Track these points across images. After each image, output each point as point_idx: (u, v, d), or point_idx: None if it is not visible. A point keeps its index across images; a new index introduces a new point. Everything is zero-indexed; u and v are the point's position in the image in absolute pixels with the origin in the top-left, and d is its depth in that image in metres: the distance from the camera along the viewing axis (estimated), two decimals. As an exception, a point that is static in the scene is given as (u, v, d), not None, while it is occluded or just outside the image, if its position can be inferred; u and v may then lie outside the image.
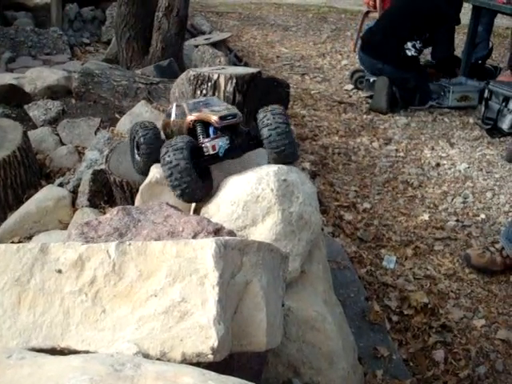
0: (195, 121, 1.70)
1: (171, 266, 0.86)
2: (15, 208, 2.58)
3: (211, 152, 1.60)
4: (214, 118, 1.64)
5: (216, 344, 0.80)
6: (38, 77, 3.82)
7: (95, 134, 3.10)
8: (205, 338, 0.81)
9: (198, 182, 1.56)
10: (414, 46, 4.79)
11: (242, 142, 1.70)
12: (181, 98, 3.04)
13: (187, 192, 1.56)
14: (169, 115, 1.86)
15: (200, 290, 0.83)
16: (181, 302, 0.83)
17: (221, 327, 0.81)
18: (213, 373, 0.70)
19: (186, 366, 0.74)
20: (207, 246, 0.86)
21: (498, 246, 2.74)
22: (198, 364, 0.81)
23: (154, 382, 0.66)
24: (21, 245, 0.92)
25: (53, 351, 0.88)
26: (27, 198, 2.60)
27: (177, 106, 1.84)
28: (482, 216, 3.23)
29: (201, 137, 1.66)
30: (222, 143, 1.61)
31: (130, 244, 0.88)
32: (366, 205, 3.30)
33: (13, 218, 2.50)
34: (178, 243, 0.88)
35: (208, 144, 1.60)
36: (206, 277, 0.84)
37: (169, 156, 1.53)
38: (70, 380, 0.67)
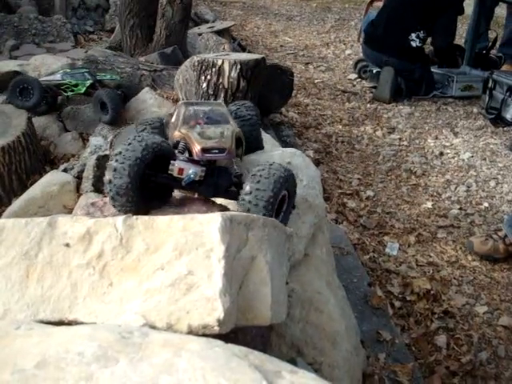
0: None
1: (178, 239, 0.87)
2: (19, 193, 2.60)
3: (175, 174, 1.31)
4: (196, 148, 1.34)
5: (222, 316, 0.81)
6: (41, 64, 3.83)
7: (99, 120, 3.11)
8: (211, 310, 0.82)
9: (144, 204, 1.30)
10: (418, 37, 4.77)
11: (222, 183, 1.38)
12: (184, 85, 3.04)
13: (122, 210, 1.29)
14: (171, 114, 1.60)
15: (206, 264, 0.84)
16: (187, 275, 0.84)
17: (227, 299, 0.82)
18: (219, 341, 0.71)
19: (193, 336, 0.75)
20: (213, 221, 0.87)
21: (500, 233, 2.75)
22: (203, 336, 0.82)
23: (162, 348, 0.67)
24: (29, 219, 0.93)
25: (60, 324, 0.89)
26: (31, 184, 2.61)
27: (178, 106, 1.56)
28: (485, 204, 3.24)
29: (179, 152, 1.38)
30: (192, 171, 1.31)
31: (137, 218, 0.89)
32: (370, 193, 3.31)
33: (17, 203, 2.51)
34: (185, 217, 0.88)
35: (176, 164, 1.32)
36: (212, 250, 0.85)
37: (108, 173, 1.24)
38: (79, 346, 0.68)
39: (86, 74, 3.04)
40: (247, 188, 1.25)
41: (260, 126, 1.70)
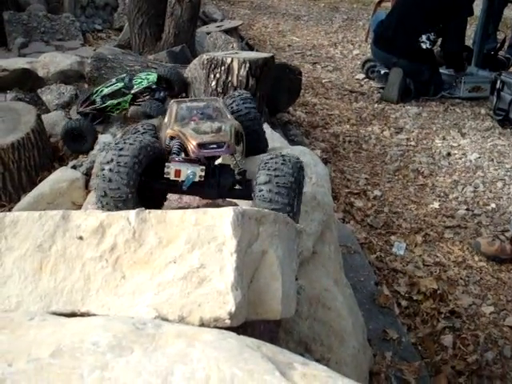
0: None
1: (190, 233, 0.88)
2: (29, 190, 2.61)
3: (172, 177, 1.18)
4: (191, 145, 1.22)
5: (233, 309, 0.82)
6: (51, 61, 3.84)
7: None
8: (222, 304, 0.82)
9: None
10: (428, 39, 4.77)
11: (225, 183, 1.25)
12: (193, 83, 3.05)
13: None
14: (164, 116, 1.48)
15: (218, 257, 0.85)
16: (199, 269, 0.85)
17: (238, 293, 0.83)
18: (231, 332, 0.72)
19: (205, 328, 0.76)
20: (226, 215, 0.87)
21: (507, 234, 2.75)
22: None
23: (176, 339, 0.68)
24: (43, 212, 0.94)
25: (73, 316, 0.90)
26: (40, 180, 2.63)
27: (170, 105, 1.46)
28: (492, 205, 3.24)
29: (174, 154, 1.25)
30: (190, 172, 1.17)
31: (149, 212, 0.90)
32: (377, 192, 3.31)
33: (26, 200, 2.53)
34: (197, 212, 0.89)
35: (172, 166, 1.18)
36: (224, 244, 0.86)
37: (102, 185, 1.12)
38: (94, 336, 0.69)
39: (122, 89, 3.02)
40: (262, 178, 1.14)
41: (261, 119, 1.59)
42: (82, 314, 0.90)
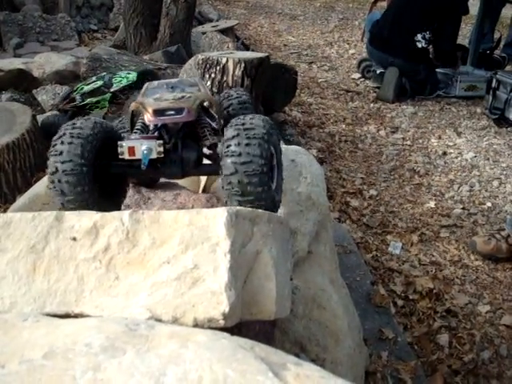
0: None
1: (184, 233, 0.87)
2: (24, 191, 2.60)
3: (127, 157, 1.06)
4: (148, 113, 1.09)
5: (227, 309, 0.82)
6: (46, 62, 3.85)
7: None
8: (216, 304, 0.82)
9: (100, 201, 1.09)
10: (423, 38, 4.78)
11: (190, 157, 1.13)
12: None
13: (73, 207, 1.07)
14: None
15: (212, 258, 0.85)
16: (193, 269, 0.85)
17: (232, 293, 0.83)
18: (225, 333, 0.72)
19: (198, 328, 0.76)
20: (219, 215, 0.87)
21: (503, 233, 2.75)
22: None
23: (169, 339, 0.68)
24: (36, 213, 0.94)
25: (67, 317, 0.90)
26: (36, 181, 2.62)
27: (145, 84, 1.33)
28: (488, 204, 3.24)
29: (137, 132, 1.14)
30: (146, 147, 1.04)
31: (143, 213, 0.90)
32: (373, 192, 3.31)
33: (21, 200, 2.51)
34: (191, 212, 0.89)
35: (124, 144, 1.05)
36: (217, 244, 0.86)
37: (53, 161, 1.02)
38: (87, 338, 0.69)
39: (102, 88, 2.99)
40: (230, 133, 1.01)
41: (252, 106, 1.50)
42: (76, 315, 0.90)
